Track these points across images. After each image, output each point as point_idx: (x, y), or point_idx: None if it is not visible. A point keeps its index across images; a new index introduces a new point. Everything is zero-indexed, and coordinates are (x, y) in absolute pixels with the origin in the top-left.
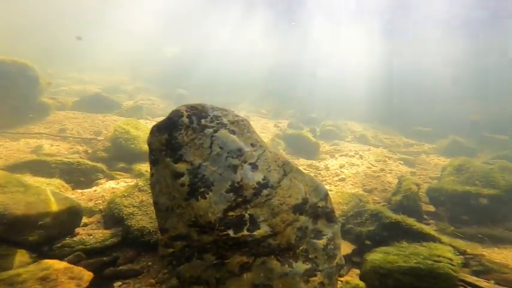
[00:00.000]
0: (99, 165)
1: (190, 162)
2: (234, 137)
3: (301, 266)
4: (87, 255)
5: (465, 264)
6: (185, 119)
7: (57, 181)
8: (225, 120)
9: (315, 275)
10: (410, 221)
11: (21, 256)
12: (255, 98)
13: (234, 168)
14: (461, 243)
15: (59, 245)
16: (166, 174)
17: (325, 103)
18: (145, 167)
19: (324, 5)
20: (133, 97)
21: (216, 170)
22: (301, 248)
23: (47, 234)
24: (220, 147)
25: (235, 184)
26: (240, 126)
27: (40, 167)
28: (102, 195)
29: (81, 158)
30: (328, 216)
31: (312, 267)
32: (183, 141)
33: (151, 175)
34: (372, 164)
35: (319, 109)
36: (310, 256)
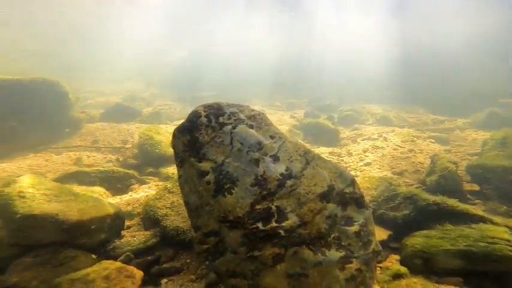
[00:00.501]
0: (131, 171)
1: (214, 160)
2: (253, 131)
3: (335, 254)
4: (134, 255)
5: None
6: (203, 119)
7: (98, 189)
8: (242, 116)
9: (351, 262)
10: (452, 201)
11: (85, 257)
12: (267, 92)
13: (256, 161)
14: None
15: (111, 247)
16: (193, 174)
17: (338, 88)
18: (171, 170)
19: None
20: (151, 103)
21: (239, 166)
22: (332, 236)
23: (100, 238)
24: (241, 143)
25: (259, 177)
26: (257, 120)
27: (83, 177)
28: (138, 199)
29: (114, 166)
30: (358, 202)
31: (347, 255)
32: (204, 141)
33: (179, 176)
34: (398, 145)
35: (332, 95)
36: (343, 243)
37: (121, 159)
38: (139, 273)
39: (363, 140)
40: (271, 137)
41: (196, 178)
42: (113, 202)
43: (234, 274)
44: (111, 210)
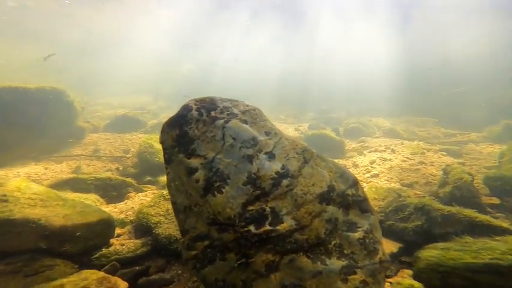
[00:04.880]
0: (128, 179)
1: (204, 156)
2: (247, 126)
3: (336, 263)
4: (121, 265)
5: None
6: (194, 113)
7: (93, 196)
8: (235, 111)
9: (355, 273)
10: (470, 212)
11: (64, 267)
12: (272, 105)
13: (249, 158)
14: None
15: (97, 255)
16: (181, 172)
17: (344, 102)
18: None
19: (331, 2)
20: (157, 116)
21: (231, 162)
22: (333, 242)
23: (85, 245)
24: (233, 138)
25: (252, 175)
26: (252, 116)
27: (78, 184)
28: (132, 207)
29: (112, 174)
30: (361, 205)
31: (350, 264)
32: (195, 135)
33: (167, 174)
34: (407, 157)
35: (338, 109)
36: (345, 252)
37: (121, 168)
38: (123, 285)
39: (370, 152)
40: (267, 133)
41: (185, 176)
42: (105, 210)
43: (224, 284)
44: (100, 217)
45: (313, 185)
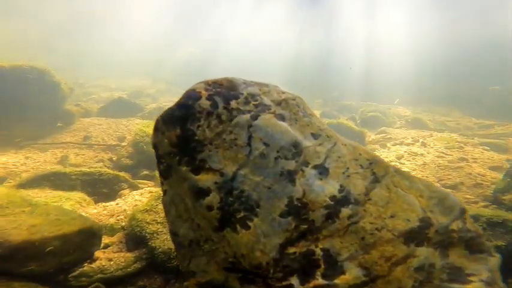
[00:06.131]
0: (122, 174)
1: (219, 170)
2: (285, 125)
3: None
4: (107, 286)
5: None
6: (205, 102)
7: (78, 194)
8: (266, 100)
9: None
10: None
11: None
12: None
13: (290, 175)
14: None
15: (75, 273)
16: (184, 192)
17: (360, 88)
18: None
19: None
20: (157, 100)
21: (262, 181)
22: None
23: (60, 262)
24: (265, 143)
25: (295, 202)
26: (292, 108)
27: (60, 180)
28: (125, 209)
29: (105, 166)
30: (472, 244)
31: None
32: (205, 138)
33: (164, 192)
34: (443, 152)
35: (351, 95)
36: None
37: (115, 158)
38: None
39: (394, 145)
40: (314, 136)
41: (190, 198)
42: (91, 212)
43: None
44: (81, 226)
45: (392, 216)
